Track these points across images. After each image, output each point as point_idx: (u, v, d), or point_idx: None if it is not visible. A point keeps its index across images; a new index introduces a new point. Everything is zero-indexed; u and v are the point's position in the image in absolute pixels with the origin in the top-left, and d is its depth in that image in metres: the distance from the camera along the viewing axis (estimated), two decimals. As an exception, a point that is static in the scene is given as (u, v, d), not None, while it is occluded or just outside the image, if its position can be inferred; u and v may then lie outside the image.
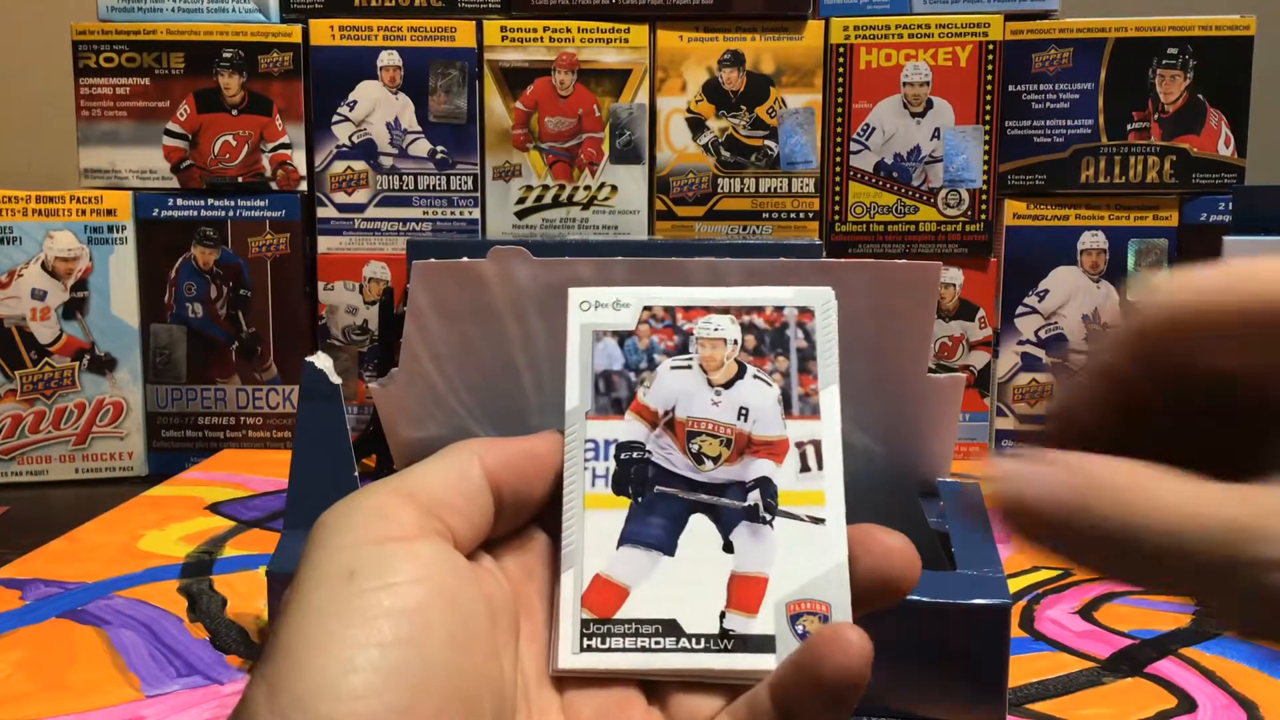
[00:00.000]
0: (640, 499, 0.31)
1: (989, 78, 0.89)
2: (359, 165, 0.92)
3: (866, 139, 0.91)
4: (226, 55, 0.90)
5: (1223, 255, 0.71)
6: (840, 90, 0.90)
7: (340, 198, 0.92)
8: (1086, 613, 0.60)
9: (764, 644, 0.30)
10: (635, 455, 0.32)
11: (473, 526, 0.30)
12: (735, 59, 0.90)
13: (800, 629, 0.30)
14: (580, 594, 0.30)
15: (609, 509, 0.31)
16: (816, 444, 0.32)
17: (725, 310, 0.33)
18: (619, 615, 0.30)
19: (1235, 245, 0.71)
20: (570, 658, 0.30)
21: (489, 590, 0.29)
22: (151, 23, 0.90)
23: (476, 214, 0.92)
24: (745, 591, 0.30)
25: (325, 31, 0.90)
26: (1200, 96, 0.89)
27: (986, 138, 0.90)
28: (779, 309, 0.33)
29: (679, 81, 0.91)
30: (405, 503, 0.28)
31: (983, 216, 0.91)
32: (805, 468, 0.32)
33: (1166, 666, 0.54)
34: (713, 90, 0.91)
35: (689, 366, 0.33)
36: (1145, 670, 0.53)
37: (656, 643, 0.30)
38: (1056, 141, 0.90)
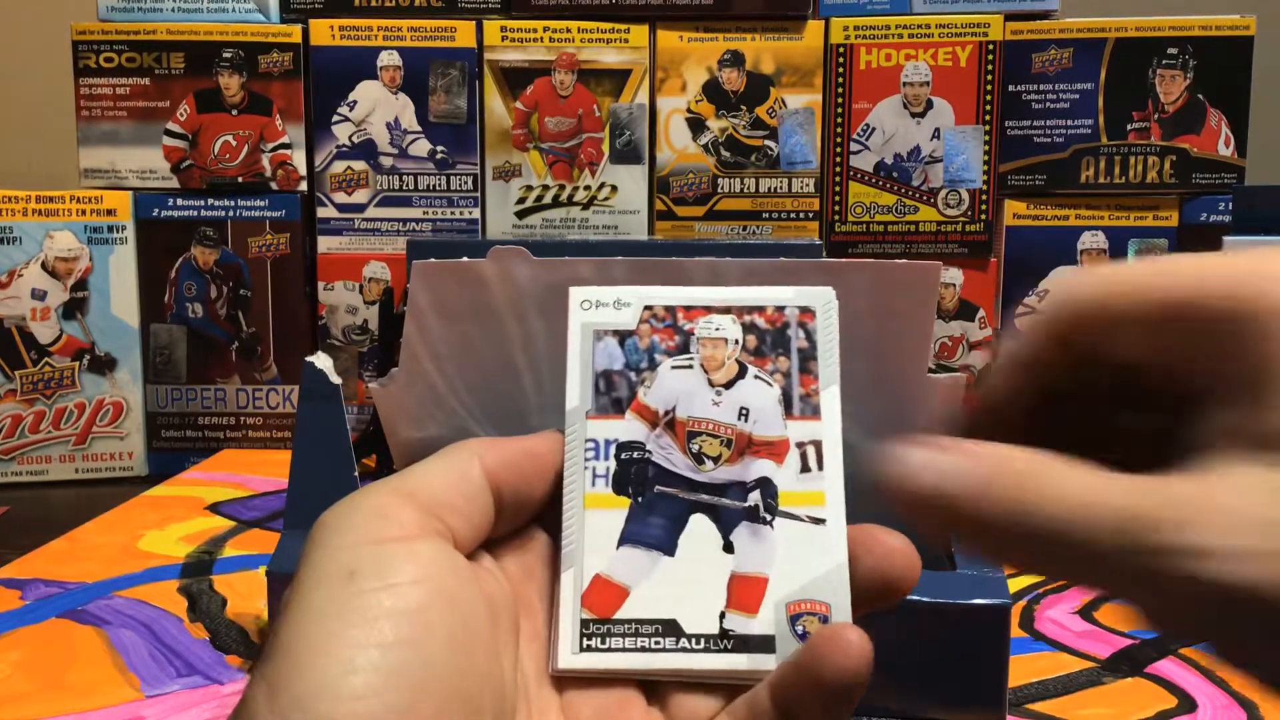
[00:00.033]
0: (640, 499, 0.31)
1: (989, 78, 0.89)
2: (359, 165, 0.92)
3: (866, 139, 0.91)
4: (226, 55, 0.90)
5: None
6: (840, 90, 0.90)
7: (340, 198, 0.92)
8: (1086, 612, 0.60)
9: (764, 644, 0.30)
10: (635, 455, 0.32)
11: (473, 526, 0.30)
12: (735, 59, 0.90)
13: (800, 629, 0.30)
14: (580, 594, 0.30)
15: (609, 509, 0.31)
16: (817, 444, 0.32)
17: (726, 310, 0.33)
18: (619, 615, 0.30)
19: (1235, 245, 0.71)
20: (570, 658, 0.30)
21: (489, 590, 0.29)
22: (151, 23, 0.90)
23: (476, 214, 0.92)
24: (745, 592, 0.30)
25: (325, 31, 0.90)
26: (1200, 96, 0.89)
27: (986, 138, 0.90)
28: (780, 309, 0.33)
29: (679, 81, 0.91)
30: (405, 503, 0.28)
31: (983, 216, 0.91)
32: (806, 468, 0.31)
33: (1166, 666, 0.54)
34: (713, 90, 0.91)
35: (690, 366, 0.33)
36: (1145, 670, 0.53)
37: (656, 643, 0.30)
38: (1056, 141, 0.90)
